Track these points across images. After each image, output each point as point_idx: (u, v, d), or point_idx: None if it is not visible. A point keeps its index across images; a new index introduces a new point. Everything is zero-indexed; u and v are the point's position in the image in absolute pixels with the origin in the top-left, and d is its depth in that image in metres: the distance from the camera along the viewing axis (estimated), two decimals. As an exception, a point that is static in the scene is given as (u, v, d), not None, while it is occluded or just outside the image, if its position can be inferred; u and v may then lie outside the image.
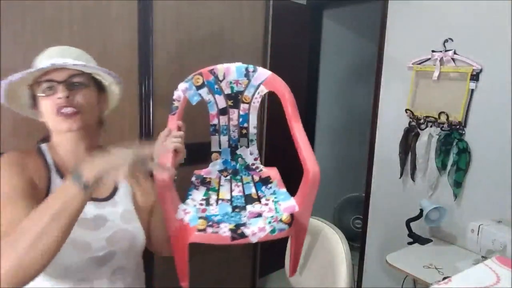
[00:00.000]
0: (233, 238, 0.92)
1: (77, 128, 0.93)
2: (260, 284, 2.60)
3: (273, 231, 0.95)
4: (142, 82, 1.77)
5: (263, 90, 1.11)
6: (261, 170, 1.19)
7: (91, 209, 0.94)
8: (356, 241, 2.58)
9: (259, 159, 1.21)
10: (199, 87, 1.07)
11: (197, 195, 1.06)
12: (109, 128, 1.58)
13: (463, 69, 1.80)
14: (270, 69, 2.34)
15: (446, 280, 0.75)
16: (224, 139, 1.16)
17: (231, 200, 1.06)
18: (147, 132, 1.82)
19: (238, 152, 1.19)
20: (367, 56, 2.88)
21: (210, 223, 0.94)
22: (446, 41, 1.86)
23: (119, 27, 1.67)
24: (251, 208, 1.03)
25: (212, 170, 1.16)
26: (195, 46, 1.90)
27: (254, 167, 1.19)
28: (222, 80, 1.08)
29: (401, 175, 2.11)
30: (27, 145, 1.03)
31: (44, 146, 0.98)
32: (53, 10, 1.50)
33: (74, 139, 0.97)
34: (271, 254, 2.26)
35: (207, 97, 1.09)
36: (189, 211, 0.97)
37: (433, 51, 1.91)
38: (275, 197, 1.07)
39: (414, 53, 1.99)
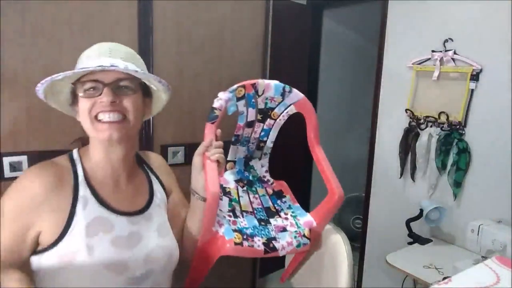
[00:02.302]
0: (265, 252, 0.98)
1: (118, 139, 0.86)
2: (260, 284, 2.60)
3: (298, 245, 1.03)
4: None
5: (292, 109, 1.14)
6: (272, 183, 1.23)
7: (124, 225, 0.87)
8: (356, 241, 2.58)
9: (268, 171, 1.24)
10: (239, 99, 1.07)
11: (223, 206, 1.09)
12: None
13: (463, 69, 1.80)
14: (270, 69, 2.35)
15: (446, 280, 0.75)
16: (241, 149, 1.19)
17: (254, 213, 1.11)
18: (147, 132, 1.82)
19: (251, 163, 1.22)
20: (367, 56, 2.88)
21: (245, 237, 0.98)
22: (446, 41, 1.86)
23: (119, 27, 1.67)
24: (274, 221, 1.09)
25: (228, 180, 1.18)
26: (195, 46, 1.90)
27: (265, 179, 1.23)
28: (261, 95, 1.10)
29: (401, 175, 2.11)
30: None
31: (76, 153, 0.91)
32: (53, 10, 1.50)
33: (110, 147, 0.89)
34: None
35: (242, 109, 1.10)
36: (223, 223, 1.00)
37: (433, 51, 1.90)
38: (292, 212, 1.14)
39: (414, 53, 1.99)
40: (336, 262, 1.19)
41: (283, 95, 1.10)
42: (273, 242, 1.00)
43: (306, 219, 1.10)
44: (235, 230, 0.99)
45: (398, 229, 2.06)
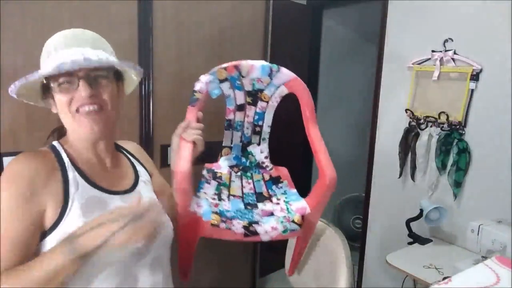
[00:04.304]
0: (245, 235, 0.95)
1: (98, 130, 0.86)
2: (260, 284, 2.60)
3: (285, 231, 0.97)
4: (142, 82, 1.77)
5: (284, 91, 1.08)
6: (271, 169, 1.18)
7: (118, 203, 0.89)
8: (356, 241, 2.58)
9: (269, 157, 1.19)
10: (221, 81, 1.04)
11: (209, 189, 1.07)
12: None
13: (463, 69, 1.80)
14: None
15: (446, 280, 0.75)
16: (237, 134, 1.15)
17: (242, 197, 1.07)
18: (147, 132, 1.82)
19: (249, 149, 1.17)
20: (367, 56, 2.88)
21: (224, 219, 0.95)
22: (446, 41, 1.86)
23: (119, 27, 1.67)
24: (262, 206, 1.04)
25: (222, 165, 1.15)
26: (195, 46, 1.90)
27: (264, 165, 1.18)
28: (245, 76, 1.05)
29: (401, 175, 2.11)
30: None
31: (57, 143, 0.90)
32: (53, 10, 1.50)
33: (93, 138, 0.89)
34: (271, 254, 2.26)
35: (228, 92, 1.07)
36: (202, 205, 0.98)
37: (433, 51, 1.90)
38: (286, 197, 1.09)
39: (414, 53, 1.99)
40: (335, 263, 1.19)
41: (270, 75, 1.05)
42: (255, 225, 0.96)
43: (300, 205, 1.03)
44: (214, 212, 0.97)
45: (398, 229, 2.06)
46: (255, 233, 0.95)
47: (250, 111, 1.12)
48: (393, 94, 2.13)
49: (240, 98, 1.09)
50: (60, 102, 0.84)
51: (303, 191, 1.11)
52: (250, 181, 1.14)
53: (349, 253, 1.19)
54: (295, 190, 1.11)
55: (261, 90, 1.09)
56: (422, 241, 1.90)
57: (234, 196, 1.07)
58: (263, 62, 1.05)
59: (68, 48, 0.83)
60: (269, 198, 1.09)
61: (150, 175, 1.06)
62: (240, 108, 1.11)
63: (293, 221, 0.98)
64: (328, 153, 1.02)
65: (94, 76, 0.83)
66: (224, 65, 1.03)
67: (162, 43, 1.80)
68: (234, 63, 1.04)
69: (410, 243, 1.93)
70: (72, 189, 0.83)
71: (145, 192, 0.97)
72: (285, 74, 1.06)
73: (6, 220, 0.76)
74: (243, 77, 1.05)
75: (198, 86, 1.01)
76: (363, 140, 2.61)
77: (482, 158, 1.78)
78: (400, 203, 2.13)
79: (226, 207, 1.02)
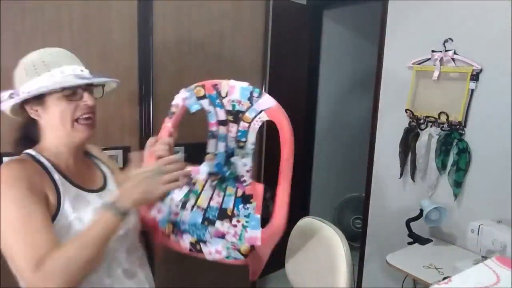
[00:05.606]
0: (190, 250, 1.04)
1: (93, 133, 1.00)
2: (260, 284, 2.60)
3: (228, 257, 1.04)
4: (142, 82, 1.77)
5: (264, 116, 1.06)
6: (247, 184, 1.15)
7: (96, 199, 1.01)
8: (356, 241, 2.58)
9: (250, 172, 1.16)
10: (200, 98, 1.06)
11: (177, 194, 1.09)
12: (109, 128, 1.59)
13: (463, 69, 1.80)
14: (270, 69, 2.33)
15: (446, 280, 0.75)
16: (221, 144, 1.14)
17: (206, 210, 1.10)
18: (147, 132, 1.82)
19: (232, 159, 1.15)
20: (367, 56, 2.88)
21: (176, 231, 1.04)
22: (446, 41, 1.86)
23: (119, 27, 1.67)
24: (219, 225, 1.07)
25: (202, 171, 1.14)
26: (195, 46, 1.90)
27: (242, 179, 1.15)
28: (225, 97, 1.06)
29: (401, 175, 2.11)
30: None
31: (34, 152, 0.98)
32: (53, 10, 1.50)
33: (88, 141, 1.03)
34: (271, 254, 2.25)
35: (208, 107, 1.08)
36: (162, 211, 1.06)
37: (433, 51, 1.90)
38: (246, 221, 1.08)
39: (414, 53, 1.99)
40: (335, 263, 1.19)
41: (250, 99, 1.04)
42: (201, 244, 1.04)
43: (254, 234, 1.05)
44: (170, 222, 1.04)
45: (398, 229, 2.06)
46: (200, 251, 1.03)
47: (233, 128, 1.11)
48: (393, 94, 2.13)
49: (222, 115, 1.09)
50: (64, 111, 0.94)
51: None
52: (222, 194, 1.13)
53: (349, 253, 1.19)
54: (258, 216, 1.10)
55: (242, 112, 1.07)
56: (422, 241, 1.90)
57: (198, 207, 1.09)
58: (243, 84, 1.04)
59: (64, 65, 0.95)
60: (230, 217, 1.09)
61: (112, 172, 1.17)
62: (223, 123, 1.11)
63: (239, 250, 1.03)
64: (287, 202, 1.04)
65: (91, 89, 0.98)
66: (202, 83, 1.05)
67: (162, 43, 1.80)
68: (212, 82, 1.05)
69: (410, 243, 1.93)
70: (61, 189, 0.94)
71: (114, 188, 1.09)
72: (266, 101, 1.03)
73: (24, 214, 0.84)
74: (222, 97, 1.06)
75: (175, 100, 1.07)
76: (363, 140, 2.61)
77: (482, 158, 1.78)
78: (400, 203, 2.13)
79: (184, 218, 1.07)
